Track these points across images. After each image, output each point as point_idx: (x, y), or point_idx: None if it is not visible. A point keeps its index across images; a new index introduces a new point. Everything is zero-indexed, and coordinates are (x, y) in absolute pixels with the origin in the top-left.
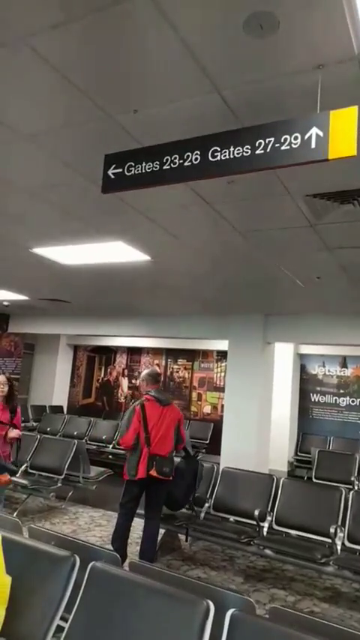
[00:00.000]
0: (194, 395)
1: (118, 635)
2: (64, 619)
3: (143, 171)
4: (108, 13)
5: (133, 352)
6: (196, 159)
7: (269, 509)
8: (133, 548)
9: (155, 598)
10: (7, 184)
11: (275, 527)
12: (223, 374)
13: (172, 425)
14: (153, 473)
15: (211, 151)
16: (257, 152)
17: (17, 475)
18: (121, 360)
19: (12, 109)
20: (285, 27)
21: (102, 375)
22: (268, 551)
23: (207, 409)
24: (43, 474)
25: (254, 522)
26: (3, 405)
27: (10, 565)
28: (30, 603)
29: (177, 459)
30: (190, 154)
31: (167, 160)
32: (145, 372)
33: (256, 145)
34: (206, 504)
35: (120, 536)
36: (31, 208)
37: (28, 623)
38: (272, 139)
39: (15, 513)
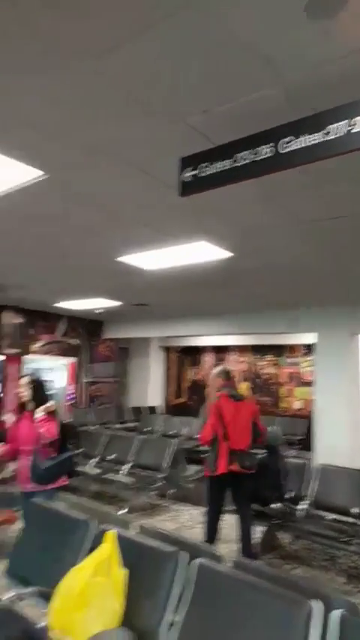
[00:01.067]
0: (283, 391)
1: (227, 632)
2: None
3: (217, 170)
4: (171, 19)
5: (220, 351)
6: (269, 152)
7: None
8: (234, 546)
9: (261, 596)
10: (88, 199)
11: None
12: (310, 368)
13: (249, 419)
14: (234, 467)
15: (283, 143)
16: (330, 138)
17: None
18: (209, 359)
19: (84, 123)
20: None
21: (191, 374)
22: None
23: (297, 405)
24: (145, 472)
25: (354, 520)
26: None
27: (123, 560)
28: (143, 597)
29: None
30: (262, 147)
31: (240, 156)
32: (216, 369)
33: (329, 130)
34: (303, 502)
35: (209, 535)
36: (113, 220)
37: (142, 616)
38: (345, 122)
39: (122, 511)
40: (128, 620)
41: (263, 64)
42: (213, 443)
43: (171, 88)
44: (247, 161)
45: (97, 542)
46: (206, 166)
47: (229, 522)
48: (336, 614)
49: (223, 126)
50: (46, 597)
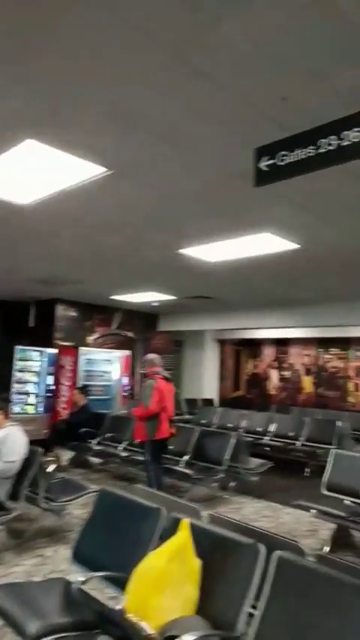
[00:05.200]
0: (350, 385)
1: (311, 629)
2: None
3: (298, 158)
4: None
5: (282, 344)
6: (356, 136)
7: None
8: (303, 542)
9: (349, 594)
10: (156, 191)
11: None
12: None
13: (173, 395)
14: (173, 430)
15: None
16: None
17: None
18: (269, 353)
19: (160, 114)
20: None
21: (250, 367)
22: None
23: None
24: (204, 464)
25: None
26: None
27: (196, 549)
28: (219, 587)
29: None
30: (348, 132)
31: (323, 142)
32: (148, 356)
33: None
34: None
35: (157, 484)
36: (181, 211)
37: (219, 607)
38: None
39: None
40: (204, 609)
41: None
42: (156, 414)
43: (251, 78)
44: (332, 147)
45: (167, 529)
46: (285, 155)
47: (295, 516)
48: None
49: (302, 113)
50: (116, 582)
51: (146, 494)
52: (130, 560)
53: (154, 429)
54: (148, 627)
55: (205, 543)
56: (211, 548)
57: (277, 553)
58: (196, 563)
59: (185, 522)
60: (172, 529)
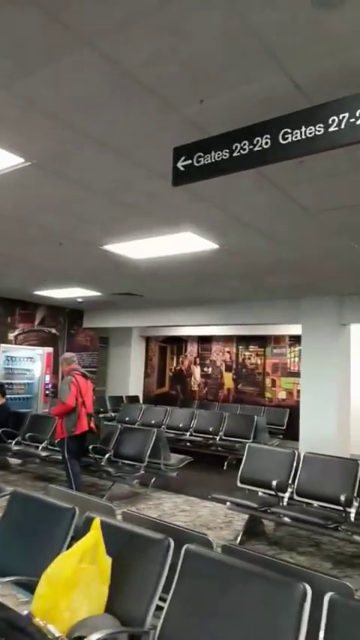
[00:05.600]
0: (268, 381)
1: (216, 616)
2: (161, 599)
3: (213, 160)
4: (170, 7)
5: (204, 341)
6: (266, 143)
7: (356, 495)
8: (218, 533)
9: (252, 580)
10: (80, 187)
11: None
12: (297, 359)
13: (92, 391)
14: (92, 425)
15: (281, 134)
16: (331, 130)
17: (102, 463)
18: (192, 349)
19: (80, 112)
20: None
21: (174, 364)
22: (357, 537)
23: (282, 395)
24: (126, 461)
25: (340, 508)
26: None
27: (108, 547)
28: (129, 583)
29: None
30: (260, 138)
31: (237, 147)
32: (65, 355)
33: (330, 122)
34: (289, 489)
35: (76, 485)
36: (104, 208)
37: (129, 602)
38: (346, 115)
39: (103, 499)
40: (114, 606)
41: (266, 56)
42: (74, 409)
43: (168, 78)
44: (245, 152)
45: (81, 530)
46: (201, 156)
47: (212, 509)
48: (330, 597)
49: (219, 117)
50: (26, 587)
51: (62, 495)
52: (41, 564)
53: (74, 424)
54: (56, 630)
55: (118, 541)
56: (122, 545)
57: (185, 546)
58: (107, 562)
59: (97, 521)
60: (85, 529)
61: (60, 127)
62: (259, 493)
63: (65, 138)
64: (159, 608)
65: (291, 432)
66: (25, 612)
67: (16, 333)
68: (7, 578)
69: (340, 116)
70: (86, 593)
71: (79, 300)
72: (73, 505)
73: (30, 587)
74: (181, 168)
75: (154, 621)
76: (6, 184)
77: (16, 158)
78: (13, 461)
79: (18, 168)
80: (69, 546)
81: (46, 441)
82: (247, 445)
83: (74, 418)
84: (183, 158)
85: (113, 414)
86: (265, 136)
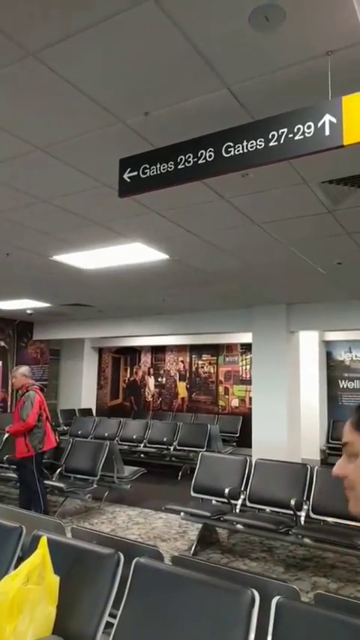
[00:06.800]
0: (221, 389)
1: (166, 628)
2: (112, 615)
3: (158, 172)
4: (113, 20)
5: (158, 351)
6: (210, 156)
7: (305, 498)
8: (172, 544)
9: (200, 590)
10: (27, 196)
11: (312, 515)
12: (248, 367)
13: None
14: (57, 439)
15: (224, 147)
16: (271, 144)
17: (53, 479)
18: (146, 360)
19: (25, 122)
20: (291, 16)
21: (128, 375)
22: (307, 540)
23: (235, 402)
24: (78, 476)
25: (291, 512)
26: None
27: (56, 565)
28: (78, 601)
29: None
30: (203, 151)
31: (181, 159)
32: (22, 369)
33: (270, 137)
34: (242, 496)
35: (45, 507)
36: (51, 217)
37: (78, 621)
38: (285, 130)
39: (55, 515)
40: (62, 626)
41: (207, 71)
42: (37, 425)
43: (112, 90)
44: (189, 164)
45: (27, 549)
46: (147, 168)
47: (167, 520)
48: (277, 601)
49: (164, 129)
50: None
51: (8, 514)
52: None
53: (40, 441)
54: None
55: (66, 558)
56: (71, 562)
57: (135, 560)
58: (54, 580)
59: (43, 539)
60: (32, 548)
61: (3, 136)
62: (213, 501)
63: (9, 147)
64: (110, 625)
65: (244, 439)
66: None
67: None
68: None
69: (280, 131)
70: (32, 616)
71: (29, 311)
72: (20, 524)
73: None
74: (128, 180)
75: (105, 638)
76: None
77: None
78: None
79: None
80: (16, 567)
81: None
82: (200, 454)
83: (40, 434)
84: (129, 170)
85: (65, 428)
86: (208, 149)
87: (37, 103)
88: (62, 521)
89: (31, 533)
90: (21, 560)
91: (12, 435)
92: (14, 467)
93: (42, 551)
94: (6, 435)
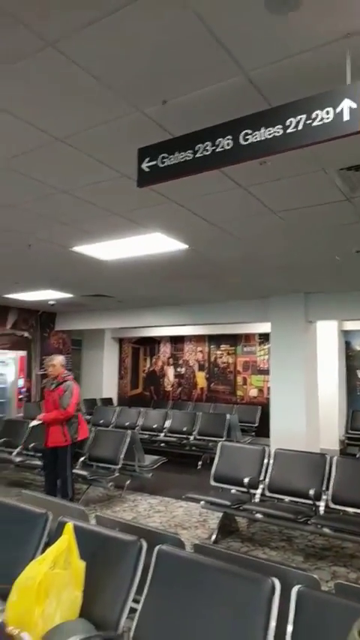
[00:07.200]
0: (239, 379)
1: (188, 614)
2: (135, 601)
3: (177, 161)
4: (129, 8)
5: (176, 341)
6: (228, 144)
7: (324, 488)
8: (193, 532)
9: (222, 577)
10: (46, 187)
11: (332, 505)
12: (266, 356)
13: None
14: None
15: (242, 135)
16: (289, 131)
17: (77, 467)
18: (165, 350)
19: (44, 113)
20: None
21: (147, 365)
22: (326, 530)
23: (253, 392)
24: (101, 464)
25: (310, 502)
26: None
27: (81, 551)
28: (103, 587)
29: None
30: (221, 139)
31: (200, 147)
32: (59, 358)
33: (288, 123)
34: (261, 486)
35: (73, 494)
36: (71, 208)
37: (103, 606)
38: (303, 116)
39: (79, 503)
40: (88, 610)
41: (225, 57)
42: (74, 415)
43: (130, 78)
44: (208, 152)
45: (54, 535)
46: (165, 157)
47: (187, 509)
48: (297, 590)
49: (182, 117)
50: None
51: (35, 501)
52: (14, 571)
53: (76, 431)
54: (30, 638)
55: (91, 544)
56: (96, 548)
57: (157, 547)
58: (80, 566)
59: (69, 525)
60: (59, 534)
61: (24, 128)
62: (232, 491)
63: (30, 138)
64: (133, 610)
65: (263, 429)
66: None
67: None
68: None
69: (298, 117)
70: (60, 599)
71: (51, 302)
72: (47, 510)
73: (3, 595)
74: (146, 169)
75: (129, 623)
76: None
77: None
78: None
79: None
80: (43, 552)
81: (20, 447)
82: (220, 444)
83: (76, 424)
84: (147, 159)
85: (87, 417)
86: (226, 137)
87: (56, 93)
88: (85, 508)
89: (57, 519)
90: (47, 545)
91: (48, 423)
92: (40, 455)
93: (68, 537)
94: (33, 423)
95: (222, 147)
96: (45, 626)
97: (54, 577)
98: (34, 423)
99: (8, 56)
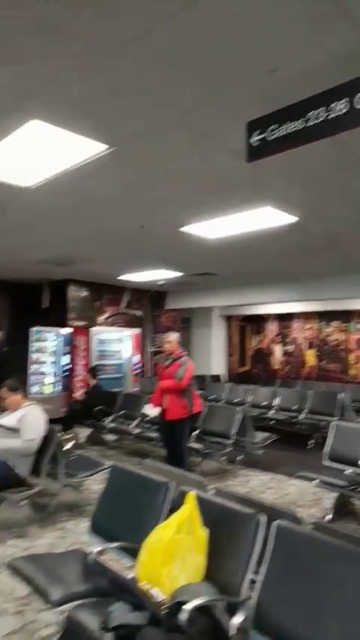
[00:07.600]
0: (351, 357)
1: (309, 592)
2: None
3: (288, 132)
4: None
5: (284, 318)
6: (344, 107)
7: None
8: (307, 511)
9: (344, 558)
10: (159, 168)
11: None
12: None
13: None
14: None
15: (358, 96)
16: None
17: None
18: (272, 328)
19: (154, 96)
20: None
21: (254, 343)
22: None
23: None
24: (213, 439)
25: None
26: None
27: (203, 519)
28: (223, 555)
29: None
30: (336, 103)
31: (312, 115)
32: (175, 335)
33: None
34: None
35: (187, 465)
36: (181, 189)
37: (225, 572)
38: None
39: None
40: (210, 576)
41: (339, 13)
42: (187, 389)
43: (236, 49)
44: (320, 119)
45: (176, 502)
46: (275, 129)
47: (300, 487)
48: None
49: (291, 85)
50: (130, 552)
51: (156, 469)
52: (142, 532)
53: (192, 403)
54: (159, 594)
55: (211, 514)
56: (216, 519)
57: (276, 522)
58: (203, 533)
59: (192, 495)
60: (180, 502)
61: (137, 113)
62: (347, 471)
63: (142, 123)
64: (251, 582)
65: None
66: (131, 576)
67: (105, 316)
68: (113, 545)
69: None
70: (185, 562)
71: (160, 282)
72: (168, 479)
73: (133, 553)
74: (255, 143)
75: (248, 592)
76: (90, 171)
77: (100, 145)
78: (109, 437)
79: (101, 155)
80: (167, 517)
81: (137, 419)
82: (333, 423)
83: (191, 397)
84: (257, 132)
85: (199, 392)
86: (342, 101)
87: (166, 75)
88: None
89: (177, 488)
90: (171, 511)
91: (164, 391)
92: (157, 427)
93: (191, 505)
94: (151, 414)
95: (337, 111)
96: (173, 585)
97: (178, 542)
98: (153, 413)
99: (119, 46)
